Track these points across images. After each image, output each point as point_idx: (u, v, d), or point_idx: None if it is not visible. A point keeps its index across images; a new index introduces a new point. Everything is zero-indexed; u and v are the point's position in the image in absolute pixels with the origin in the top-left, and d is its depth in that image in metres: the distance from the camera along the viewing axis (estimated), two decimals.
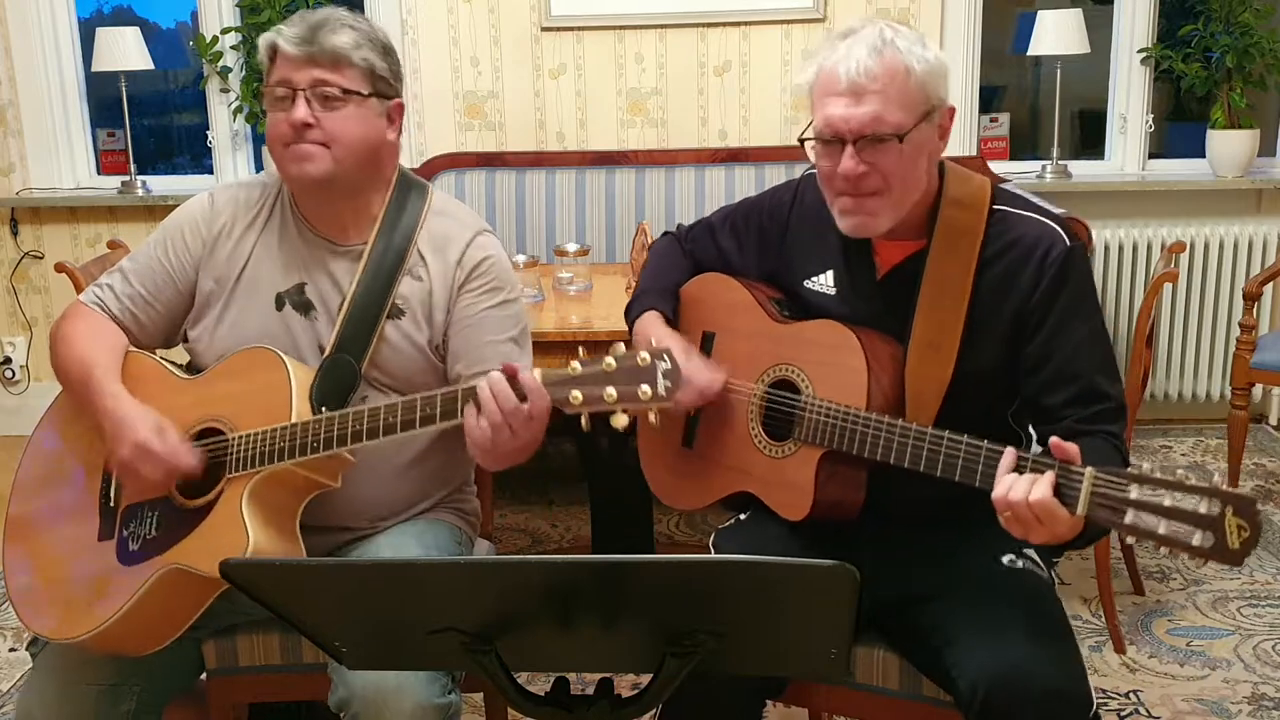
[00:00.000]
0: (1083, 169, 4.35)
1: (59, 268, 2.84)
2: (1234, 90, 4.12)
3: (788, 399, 1.83)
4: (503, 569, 1.31)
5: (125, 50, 4.28)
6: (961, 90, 4.12)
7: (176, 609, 1.76)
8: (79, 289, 2.60)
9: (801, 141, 1.76)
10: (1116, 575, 2.99)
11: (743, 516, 1.92)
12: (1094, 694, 1.64)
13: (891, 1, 4.11)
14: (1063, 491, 1.49)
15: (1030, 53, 4.21)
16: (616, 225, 4.00)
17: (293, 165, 1.84)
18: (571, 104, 4.25)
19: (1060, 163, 4.24)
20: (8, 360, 4.59)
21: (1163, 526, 1.40)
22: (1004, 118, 4.49)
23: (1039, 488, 1.48)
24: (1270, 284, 3.91)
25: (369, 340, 1.86)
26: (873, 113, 1.67)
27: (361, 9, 4.19)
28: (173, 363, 1.93)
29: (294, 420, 1.74)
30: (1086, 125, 4.95)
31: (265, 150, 3.85)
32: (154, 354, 1.95)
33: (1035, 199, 1.91)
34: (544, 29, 4.19)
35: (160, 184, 4.52)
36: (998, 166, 4.13)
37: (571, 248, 3.18)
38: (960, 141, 4.16)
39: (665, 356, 1.52)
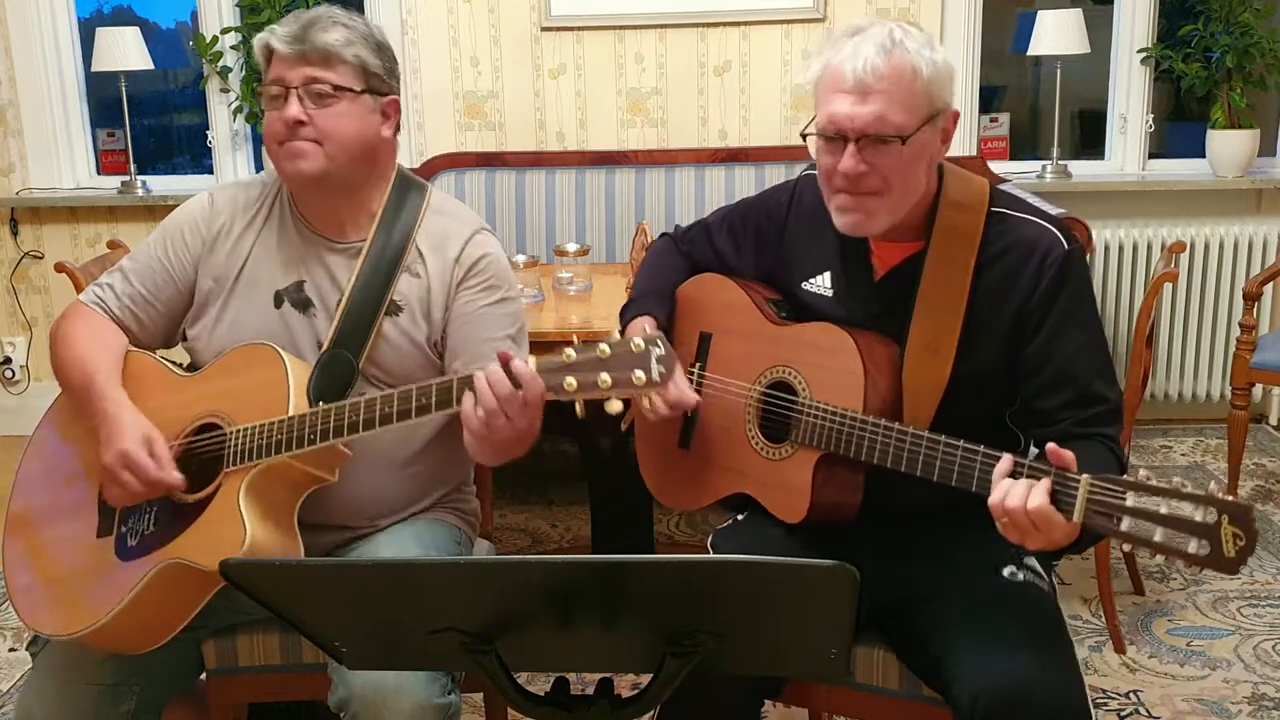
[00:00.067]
0: (1083, 169, 4.35)
1: (59, 268, 2.85)
2: (1234, 90, 4.12)
3: (785, 401, 1.83)
4: (503, 569, 1.31)
5: (125, 50, 4.28)
6: (961, 90, 4.12)
7: (175, 605, 1.76)
8: (79, 289, 2.61)
9: (804, 136, 1.76)
10: (1116, 575, 2.99)
11: (740, 517, 1.92)
12: (1091, 708, 1.64)
13: (891, 1, 4.12)
14: (1058, 498, 1.48)
15: (1030, 53, 4.21)
16: (616, 225, 4.00)
17: (287, 163, 1.86)
18: (571, 104, 4.25)
19: (1060, 163, 4.24)
20: (8, 360, 4.60)
21: (1158, 534, 1.40)
22: (1004, 118, 4.49)
23: (1036, 496, 1.48)
24: (1270, 284, 3.91)
25: (367, 336, 1.86)
26: (877, 112, 1.66)
27: (361, 9, 4.19)
28: (173, 362, 1.94)
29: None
30: (1086, 125, 4.95)
31: (265, 150, 3.84)
32: (154, 354, 1.96)
33: (1034, 200, 1.91)
34: (544, 29, 4.19)
35: (160, 184, 4.52)
36: (998, 166, 4.13)
37: (571, 248, 3.18)
38: (960, 141, 4.15)
39: (659, 342, 1.53)
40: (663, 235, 2.16)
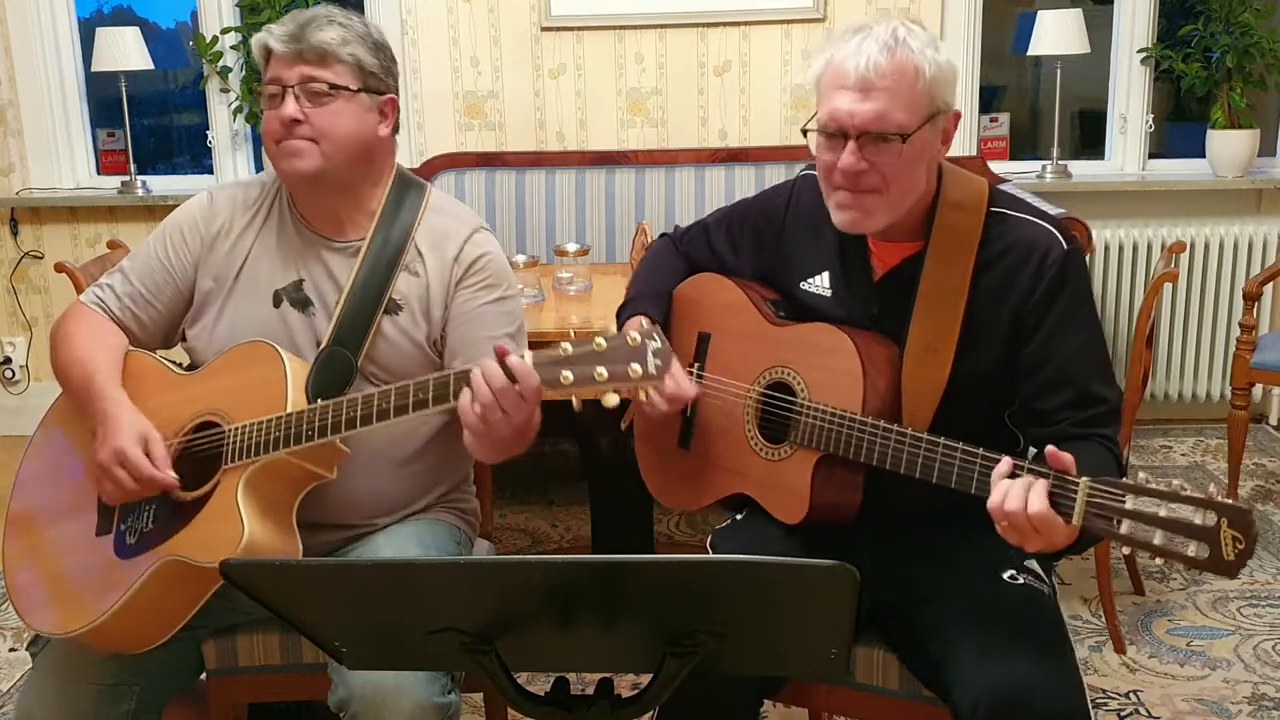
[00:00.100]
0: (1083, 169, 4.36)
1: (59, 268, 2.84)
2: (1234, 90, 4.12)
3: (784, 402, 1.83)
4: (503, 569, 1.31)
5: (125, 50, 4.29)
6: (962, 90, 4.07)
7: (174, 602, 1.76)
8: (79, 289, 2.61)
9: (804, 131, 1.76)
10: (1116, 575, 2.99)
11: (739, 517, 1.92)
12: (1091, 712, 1.64)
13: (892, 1, 4.12)
14: (1058, 501, 1.48)
15: (1030, 53, 4.21)
16: (616, 225, 4.00)
17: (284, 161, 1.86)
18: (571, 104, 4.25)
19: (1060, 163, 4.24)
20: (8, 360, 4.60)
21: (1158, 537, 1.40)
22: (1004, 118, 4.49)
23: (1036, 500, 1.48)
24: (1270, 284, 3.91)
25: (365, 334, 1.86)
26: (879, 110, 1.66)
27: (361, 9, 4.19)
28: (172, 362, 1.94)
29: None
30: (1086, 125, 4.95)
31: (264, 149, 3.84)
32: (154, 353, 1.96)
33: (1033, 200, 1.90)
34: (544, 29, 4.19)
35: (160, 184, 4.52)
36: (998, 166, 4.13)
37: (571, 248, 3.18)
38: (960, 141, 4.12)
39: (655, 336, 1.52)
40: (662, 236, 2.16)
